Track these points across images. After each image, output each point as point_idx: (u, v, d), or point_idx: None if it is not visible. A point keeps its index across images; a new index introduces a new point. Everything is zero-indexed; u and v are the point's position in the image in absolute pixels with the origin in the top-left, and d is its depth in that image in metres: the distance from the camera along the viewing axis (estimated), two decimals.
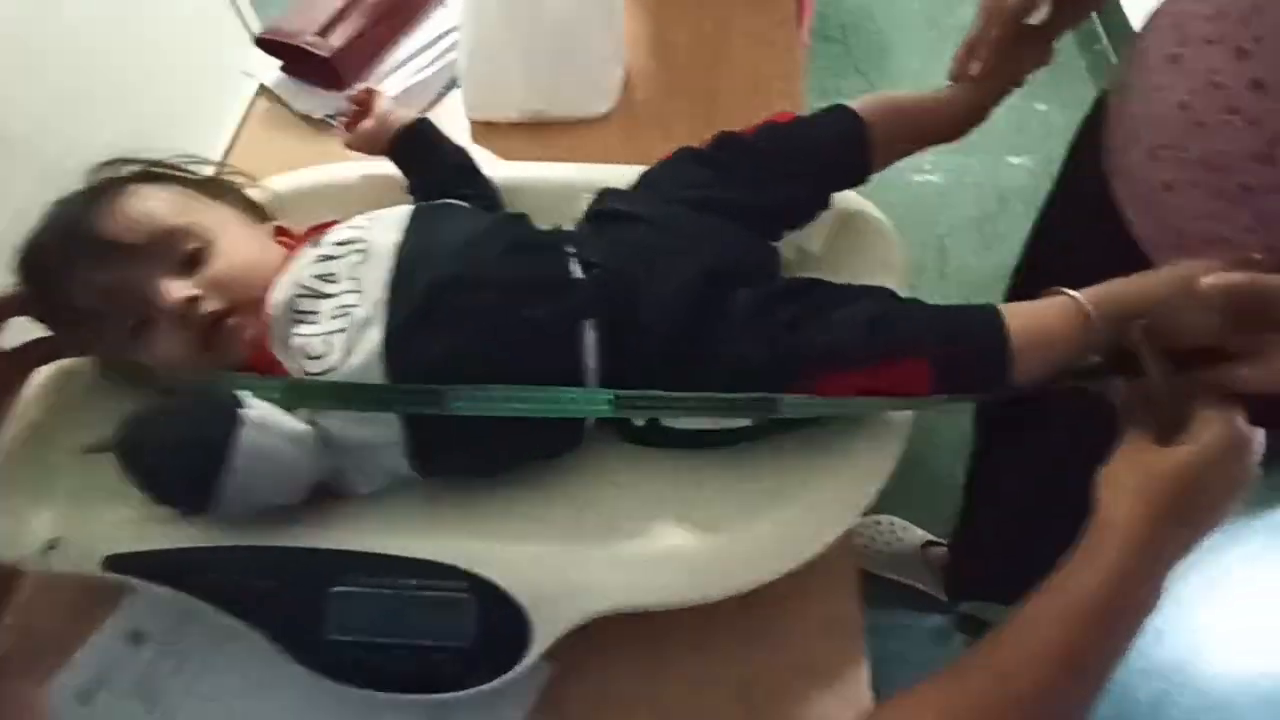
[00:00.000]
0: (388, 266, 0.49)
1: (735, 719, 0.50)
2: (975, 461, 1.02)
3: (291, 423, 0.46)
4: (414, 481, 0.51)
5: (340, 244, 0.51)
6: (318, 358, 0.47)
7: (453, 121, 0.82)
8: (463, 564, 0.47)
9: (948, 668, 0.39)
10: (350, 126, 0.64)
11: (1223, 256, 0.43)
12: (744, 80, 0.85)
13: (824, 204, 0.58)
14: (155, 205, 0.51)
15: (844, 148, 0.56)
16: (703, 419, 0.49)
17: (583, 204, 0.57)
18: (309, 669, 0.47)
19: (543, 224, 0.56)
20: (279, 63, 0.84)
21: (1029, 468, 0.83)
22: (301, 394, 0.47)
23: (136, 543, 0.48)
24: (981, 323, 0.46)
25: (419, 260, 0.49)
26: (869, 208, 0.63)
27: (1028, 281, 0.77)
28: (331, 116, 0.81)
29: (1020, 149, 1.80)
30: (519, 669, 0.46)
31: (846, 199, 0.63)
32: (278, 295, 0.50)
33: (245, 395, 0.45)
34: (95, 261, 0.49)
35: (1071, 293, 0.45)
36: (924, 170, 1.79)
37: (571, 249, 0.52)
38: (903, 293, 0.53)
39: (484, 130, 0.81)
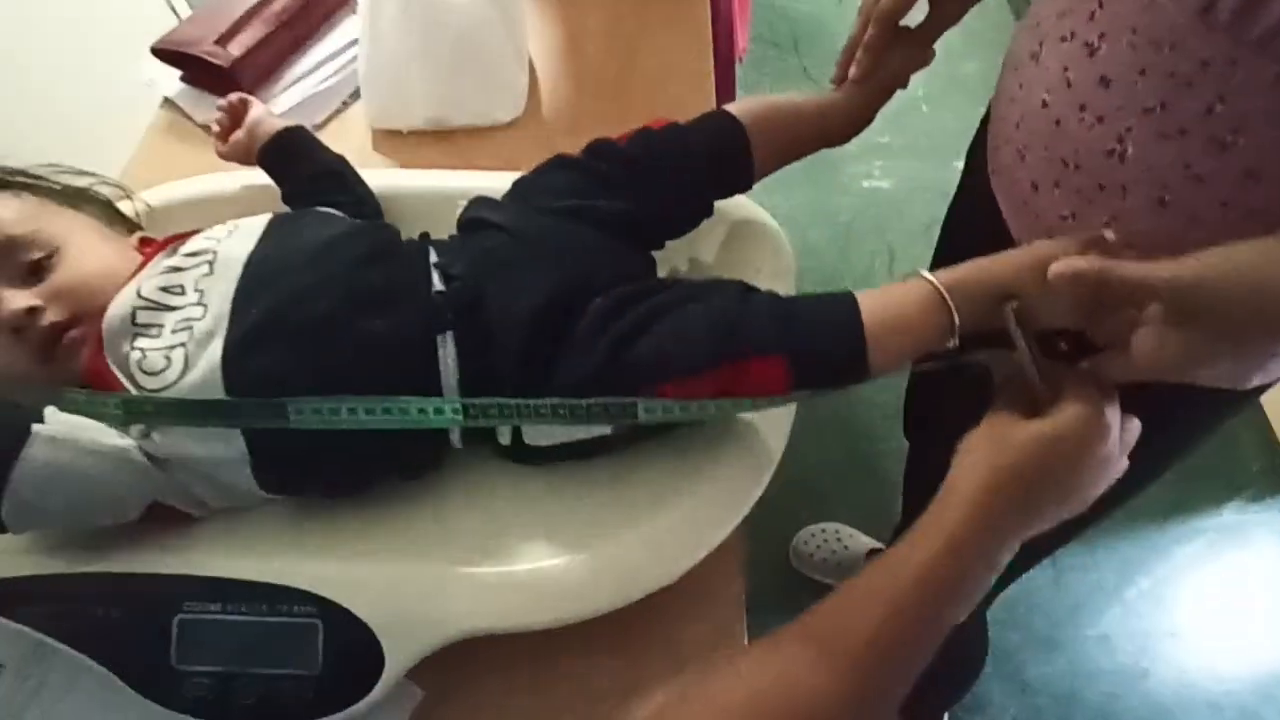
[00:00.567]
0: (234, 277, 0.47)
1: None
2: (907, 466, 1.01)
3: (101, 438, 0.43)
4: (270, 502, 0.49)
5: (190, 254, 0.49)
6: (156, 373, 0.45)
7: (356, 131, 0.80)
8: (312, 588, 0.45)
9: (765, 637, 0.37)
10: (222, 137, 0.62)
11: (1074, 237, 0.42)
12: (656, 86, 0.84)
13: (707, 211, 0.57)
14: None
15: (723, 153, 0.55)
16: (557, 430, 0.47)
17: (459, 211, 0.55)
18: (154, 702, 0.45)
19: (425, 233, 0.55)
20: (179, 73, 0.82)
21: (945, 471, 0.82)
22: (139, 410, 0.45)
23: None
24: (835, 311, 0.45)
25: (266, 271, 0.47)
26: (761, 214, 0.62)
27: None
28: None
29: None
30: (371, 698, 0.44)
31: (739, 206, 0.62)
32: (115, 307, 0.47)
33: (49, 410, 0.43)
34: None
35: (926, 275, 0.44)
36: (873, 176, 1.79)
37: (435, 259, 0.50)
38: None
39: (388, 139, 0.79)
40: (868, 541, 1.27)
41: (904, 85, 0.58)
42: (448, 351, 0.47)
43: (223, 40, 0.80)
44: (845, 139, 0.59)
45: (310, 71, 0.83)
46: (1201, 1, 0.37)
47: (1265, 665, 1.21)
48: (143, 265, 0.51)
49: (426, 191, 0.62)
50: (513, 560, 0.47)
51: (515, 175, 0.59)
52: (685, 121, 0.56)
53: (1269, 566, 1.30)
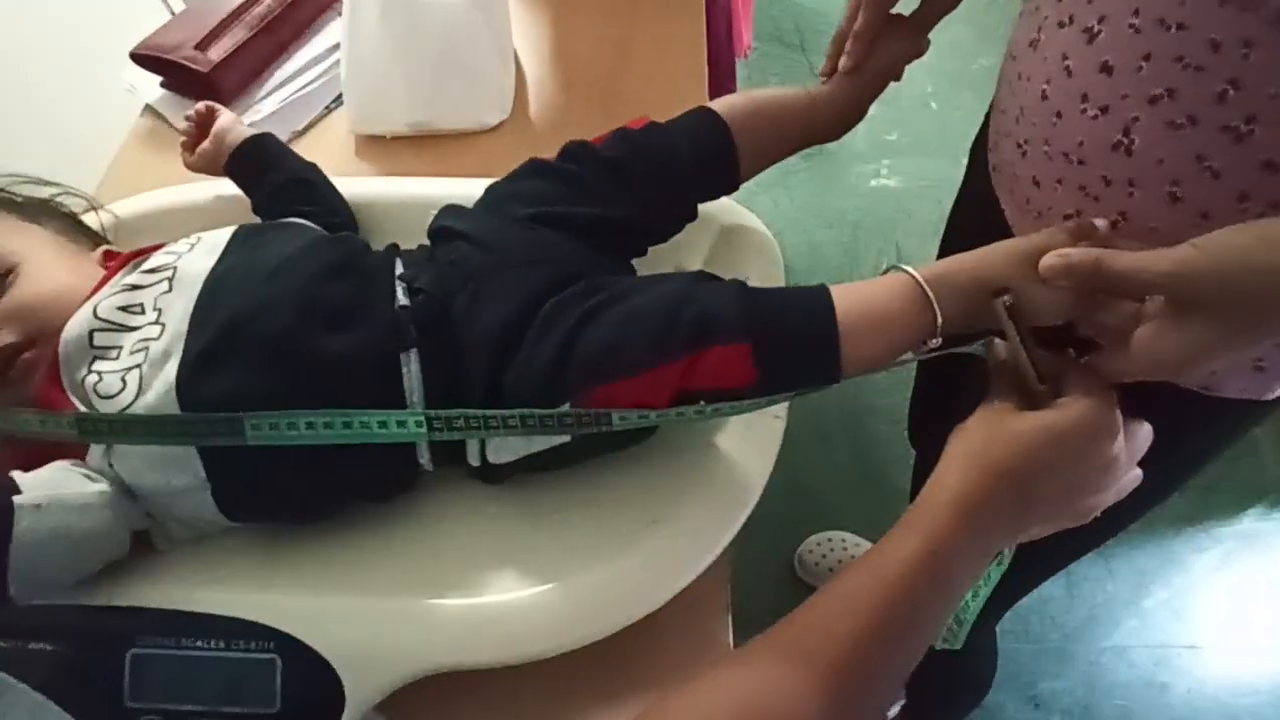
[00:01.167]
0: (193, 295, 0.45)
1: None
2: (914, 474, 0.98)
3: (80, 488, 0.41)
4: (234, 531, 0.47)
5: (150, 271, 0.47)
6: (111, 397, 0.43)
7: (338, 137, 0.78)
8: (270, 621, 0.43)
9: (746, 644, 0.35)
10: (189, 147, 0.60)
11: (1065, 227, 0.40)
12: (646, 91, 0.81)
13: (690, 215, 0.54)
14: None
15: (706, 153, 0.52)
16: (515, 442, 0.44)
17: (430, 220, 0.53)
18: None
19: (400, 243, 0.53)
20: (159, 79, 0.81)
21: None
22: (93, 429, 0.43)
23: None
24: (803, 301, 0.42)
25: (225, 287, 0.45)
26: (749, 218, 0.59)
27: None
28: None
29: None
30: None
31: (726, 210, 0.59)
32: (71, 329, 0.45)
33: (20, 476, 0.41)
34: None
35: (908, 269, 0.42)
36: (881, 175, 1.76)
37: (400, 271, 0.48)
38: None
39: (370, 145, 0.77)
40: None
41: (897, 77, 0.55)
42: (412, 370, 0.44)
43: (202, 45, 0.78)
44: (836, 135, 0.56)
45: (292, 77, 0.81)
46: None
47: None
48: (103, 283, 0.49)
49: (401, 200, 0.60)
50: (481, 592, 0.44)
51: (489, 180, 0.57)
52: (666, 121, 0.53)
53: None
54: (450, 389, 0.45)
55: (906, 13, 0.54)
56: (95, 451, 0.44)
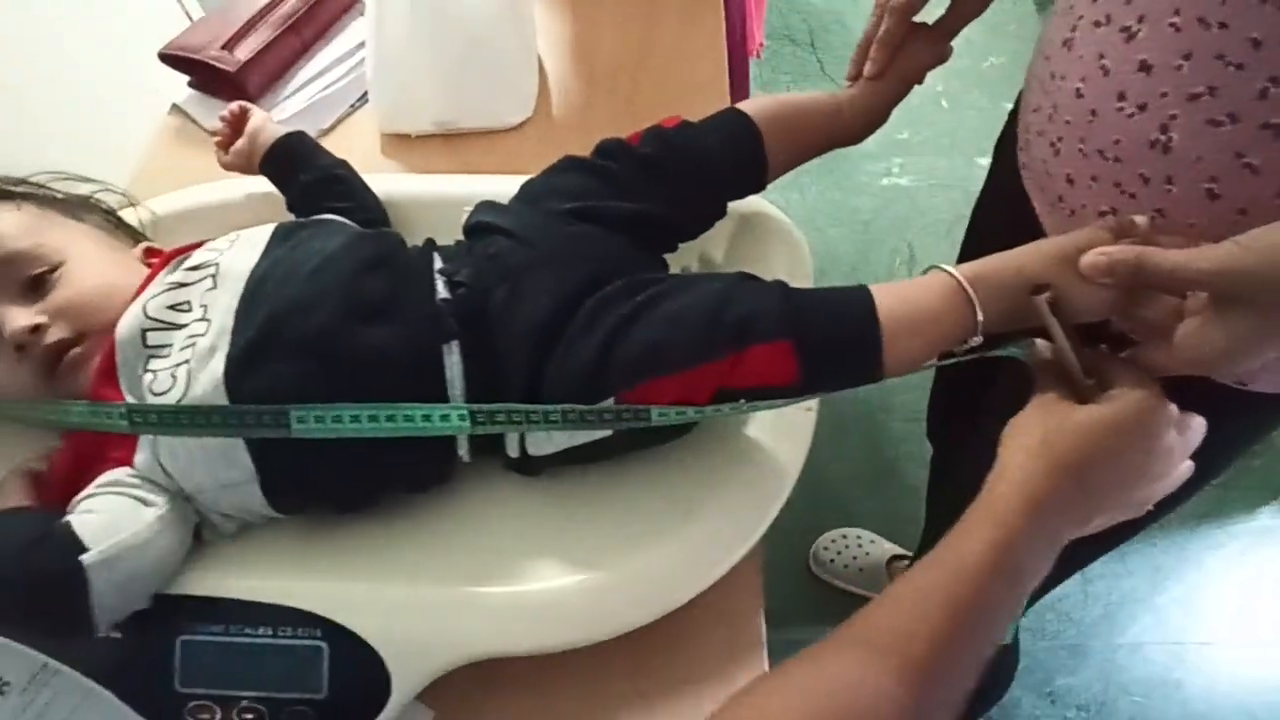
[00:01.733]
0: (238, 291, 0.46)
1: None
2: (931, 471, 0.99)
3: (138, 525, 0.42)
4: (278, 521, 0.47)
5: (194, 269, 0.48)
6: (162, 394, 0.44)
7: (364, 135, 0.79)
8: (318, 609, 0.44)
9: (820, 642, 0.35)
10: (224, 146, 0.61)
11: (1105, 224, 0.40)
12: (668, 88, 0.81)
13: (720, 213, 0.55)
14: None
15: (736, 153, 0.53)
16: (558, 435, 0.45)
17: (465, 216, 0.54)
18: None
19: (429, 239, 0.53)
20: (186, 78, 0.82)
21: (978, 474, 0.80)
22: (143, 419, 0.44)
23: None
24: (846, 301, 0.42)
25: (269, 283, 0.46)
26: (770, 209, 0.60)
27: None
28: None
29: (990, 150, 1.77)
30: None
31: (746, 201, 0.60)
32: (123, 328, 0.46)
33: (79, 523, 0.41)
34: None
35: (947, 268, 0.42)
36: (892, 174, 1.76)
37: (440, 266, 0.48)
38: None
39: (395, 143, 0.78)
40: (889, 547, 1.24)
41: (920, 81, 0.56)
42: (453, 361, 0.45)
43: (230, 45, 0.79)
44: (860, 138, 0.57)
45: (317, 75, 0.82)
46: None
47: None
48: (148, 281, 0.49)
49: (432, 196, 0.61)
50: (524, 581, 0.45)
51: (522, 178, 0.57)
52: (697, 120, 0.54)
53: None
54: (490, 381, 0.45)
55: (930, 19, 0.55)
56: (144, 454, 0.44)
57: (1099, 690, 1.17)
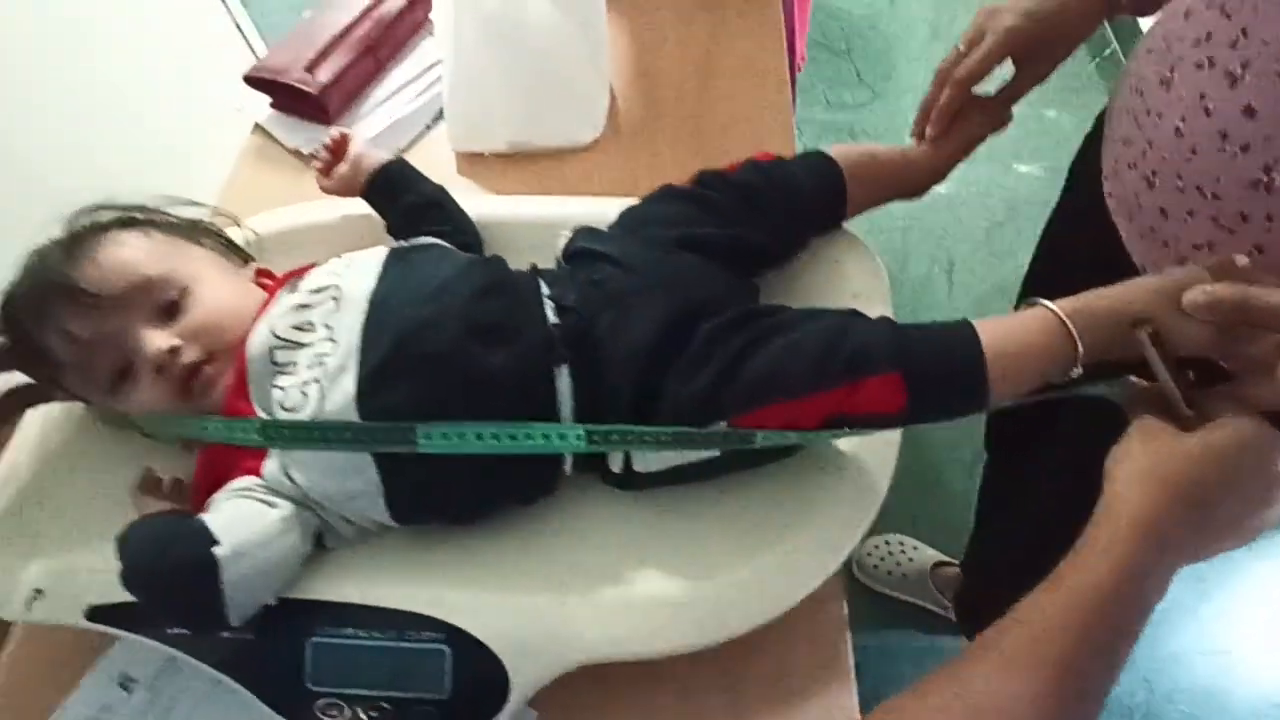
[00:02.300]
0: (361, 312, 0.49)
1: None
2: (985, 479, 1.00)
3: (264, 523, 0.45)
4: (392, 531, 0.50)
5: (315, 291, 0.51)
6: (294, 409, 0.47)
7: (439, 154, 0.82)
8: (440, 615, 0.46)
9: (947, 665, 0.36)
10: (325, 171, 0.64)
11: (1204, 262, 0.41)
12: (732, 107, 0.84)
13: (803, 243, 0.58)
14: (133, 254, 0.51)
15: (823, 192, 0.56)
16: (667, 453, 0.47)
17: (562, 240, 0.56)
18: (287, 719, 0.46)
19: (522, 260, 0.56)
20: (268, 99, 0.85)
21: (1037, 485, 0.81)
22: (276, 434, 0.47)
23: (118, 593, 0.48)
24: (952, 337, 0.44)
25: (391, 306, 0.49)
26: (850, 232, 0.62)
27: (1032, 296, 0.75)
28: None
29: (1029, 156, 1.77)
30: None
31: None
32: (254, 347, 0.49)
33: (210, 521, 0.44)
34: (73, 314, 0.49)
35: (1048, 304, 0.44)
36: None
37: (547, 291, 0.51)
38: (900, 311, 0.51)
39: (470, 162, 0.81)
40: (932, 554, 1.25)
41: (982, 140, 0.59)
42: (564, 383, 0.48)
43: (311, 67, 0.82)
44: (921, 191, 0.61)
45: (390, 96, 0.85)
46: None
47: None
48: (267, 301, 0.52)
49: (525, 220, 0.63)
50: (627, 590, 0.48)
51: (603, 202, 0.60)
52: (788, 159, 0.57)
53: None
54: (596, 401, 0.48)
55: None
56: (272, 464, 0.48)
57: (1144, 699, 1.17)
